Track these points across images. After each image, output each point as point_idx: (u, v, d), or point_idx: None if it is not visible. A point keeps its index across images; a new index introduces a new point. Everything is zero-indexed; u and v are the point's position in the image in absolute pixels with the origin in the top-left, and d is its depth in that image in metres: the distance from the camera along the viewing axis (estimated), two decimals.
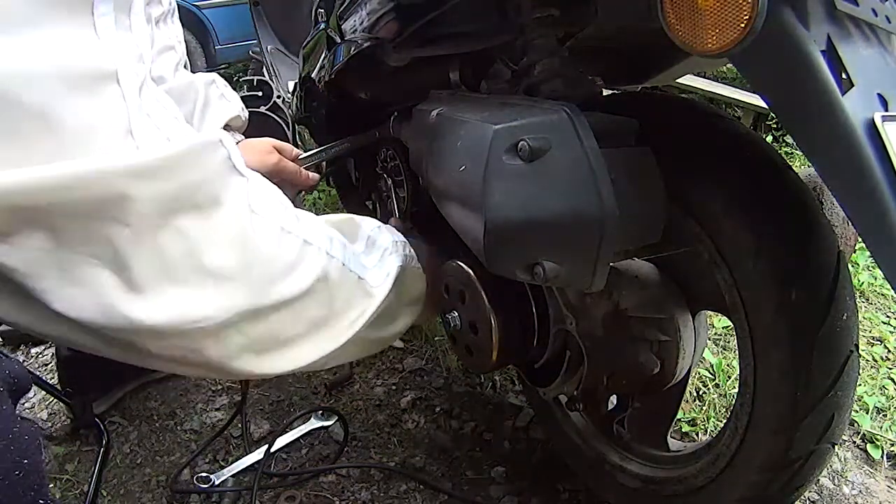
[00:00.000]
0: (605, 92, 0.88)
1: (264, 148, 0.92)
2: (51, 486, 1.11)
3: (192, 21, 4.00)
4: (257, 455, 1.11)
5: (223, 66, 4.27)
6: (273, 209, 0.54)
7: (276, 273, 0.52)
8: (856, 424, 1.18)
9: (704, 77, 2.84)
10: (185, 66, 0.92)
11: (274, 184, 0.95)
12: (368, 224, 0.75)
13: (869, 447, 1.14)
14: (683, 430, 1.17)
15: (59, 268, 0.41)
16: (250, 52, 2.95)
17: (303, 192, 1.02)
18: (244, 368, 0.53)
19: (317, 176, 1.06)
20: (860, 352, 0.63)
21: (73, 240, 0.41)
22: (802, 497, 0.88)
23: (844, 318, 0.60)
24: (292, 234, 0.54)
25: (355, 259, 0.64)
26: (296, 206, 0.60)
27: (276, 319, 0.53)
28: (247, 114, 0.90)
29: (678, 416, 0.95)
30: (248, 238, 0.49)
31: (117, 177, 0.40)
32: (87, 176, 0.39)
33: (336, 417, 1.18)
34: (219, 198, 0.48)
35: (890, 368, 1.36)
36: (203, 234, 0.46)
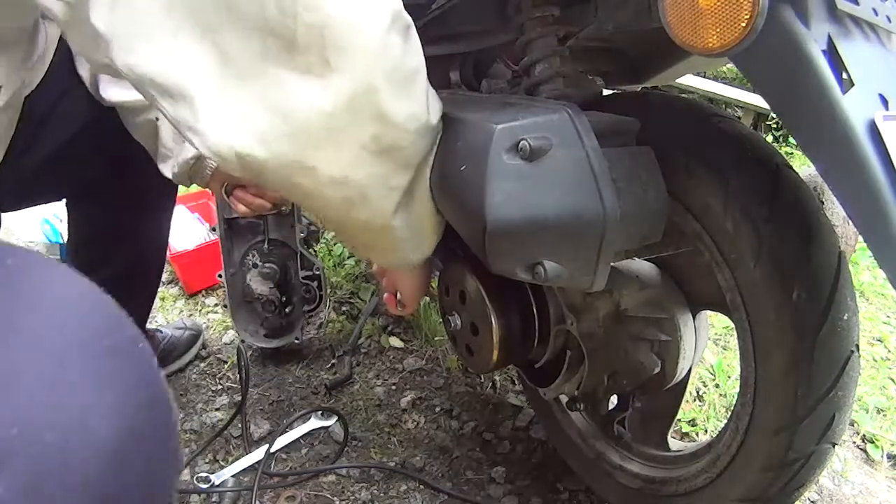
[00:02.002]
0: (605, 92, 0.88)
1: None
2: None
3: None
4: (257, 455, 1.11)
5: None
6: None
7: None
8: (856, 424, 1.18)
9: (704, 77, 2.85)
10: None
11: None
12: None
13: (869, 447, 1.14)
14: (683, 430, 1.17)
15: None
16: None
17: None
18: None
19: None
20: (860, 352, 0.63)
21: None
22: (802, 497, 0.88)
23: (845, 317, 0.60)
24: None
25: None
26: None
27: None
28: None
29: (678, 416, 0.95)
30: None
31: None
32: None
33: (336, 417, 1.18)
34: None
35: (890, 368, 1.36)
36: None
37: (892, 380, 1.33)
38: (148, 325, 1.37)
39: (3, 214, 1.00)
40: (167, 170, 1.00)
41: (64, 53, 0.91)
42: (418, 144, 0.60)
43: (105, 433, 0.31)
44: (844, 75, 0.47)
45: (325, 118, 0.52)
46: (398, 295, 0.87)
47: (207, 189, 1.12)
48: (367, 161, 0.57)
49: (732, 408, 0.80)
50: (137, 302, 1.24)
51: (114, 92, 0.93)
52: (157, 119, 0.95)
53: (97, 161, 1.01)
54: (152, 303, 1.30)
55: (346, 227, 0.69)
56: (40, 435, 0.29)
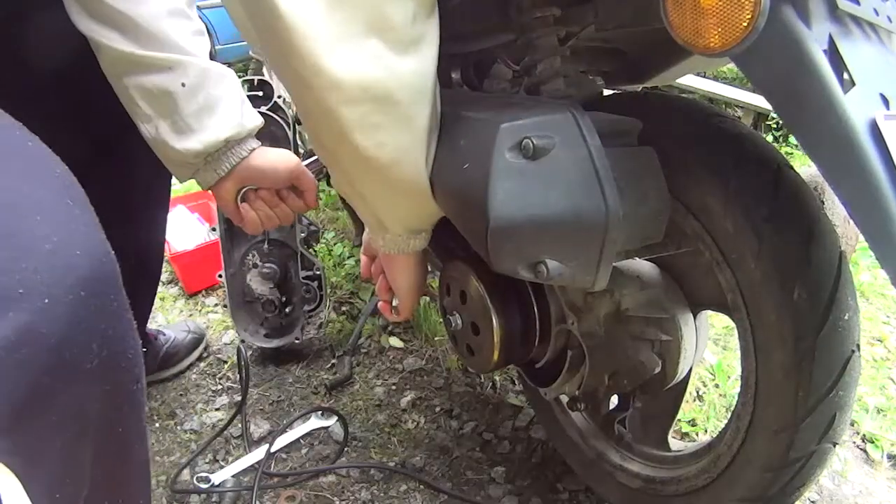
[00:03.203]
0: (606, 92, 0.88)
1: (286, 152, 0.92)
2: None
3: None
4: (257, 455, 1.11)
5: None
6: None
7: None
8: (856, 424, 1.18)
9: (704, 77, 2.85)
10: None
11: (285, 190, 0.92)
12: None
13: (869, 447, 1.14)
14: (684, 430, 1.17)
15: None
16: (250, 52, 2.95)
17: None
18: None
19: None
20: (861, 351, 0.63)
21: None
22: (802, 497, 0.88)
23: (846, 317, 0.60)
24: None
25: None
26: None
27: None
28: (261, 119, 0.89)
29: (678, 416, 0.95)
30: None
31: None
32: None
33: (336, 417, 1.18)
34: None
35: (890, 368, 1.37)
36: None
37: (892, 380, 1.33)
38: (150, 326, 1.37)
39: None
40: (181, 143, 0.81)
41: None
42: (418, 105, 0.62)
43: (83, 272, 0.39)
44: (845, 75, 0.47)
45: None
46: (394, 301, 0.86)
47: (212, 191, 0.90)
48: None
49: (733, 408, 0.80)
50: (136, 302, 1.24)
51: (119, 41, 0.76)
52: (183, 84, 0.79)
53: (81, 140, 0.86)
54: (152, 304, 1.30)
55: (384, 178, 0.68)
56: (37, 277, 0.36)
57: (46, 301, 0.35)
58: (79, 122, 0.90)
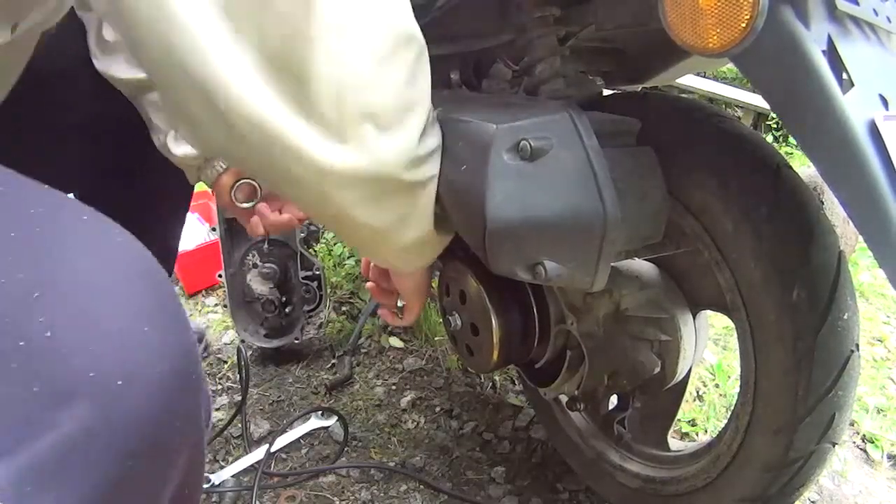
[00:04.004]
0: (606, 92, 0.88)
1: None
2: None
3: None
4: (257, 455, 1.11)
5: None
6: None
7: None
8: (856, 424, 1.18)
9: (704, 77, 2.85)
10: None
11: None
12: None
13: (869, 447, 1.14)
14: (683, 430, 1.17)
15: None
16: None
17: None
18: None
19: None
20: (860, 351, 0.63)
21: None
22: (802, 497, 0.88)
23: (845, 317, 0.60)
24: None
25: None
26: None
27: None
28: None
29: (678, 416, 0.95)
30: None
31: None
32: None
33: (336, 417, 1.18)
34: None
35: (890, 368, 1.37)
36: None
37: (892, 380, 1.33)
38: None
39: None
40: (179, 149, 0.87)
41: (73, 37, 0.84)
42: (413, 174, 0.58)
43: (164, 373, 0.36)
44: (844, 76, 0.47)
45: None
46: (399, 302, 0.86)
47: (213, 190, 0.95)
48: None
49: (732, 408, 0.80)
50: None
51: (124, 70, 0.84)
52: None
53: (103, 154, 0.97)
54: None
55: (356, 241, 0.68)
56: (111, 378, 0.33)
57: (128, 386, 0.34)
58: (110, 136, 0.95)
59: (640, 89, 0.97)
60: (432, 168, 0.60)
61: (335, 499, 1.04)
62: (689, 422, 1.19)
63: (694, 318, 0.78)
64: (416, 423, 1.21)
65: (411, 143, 0.55)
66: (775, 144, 2.75)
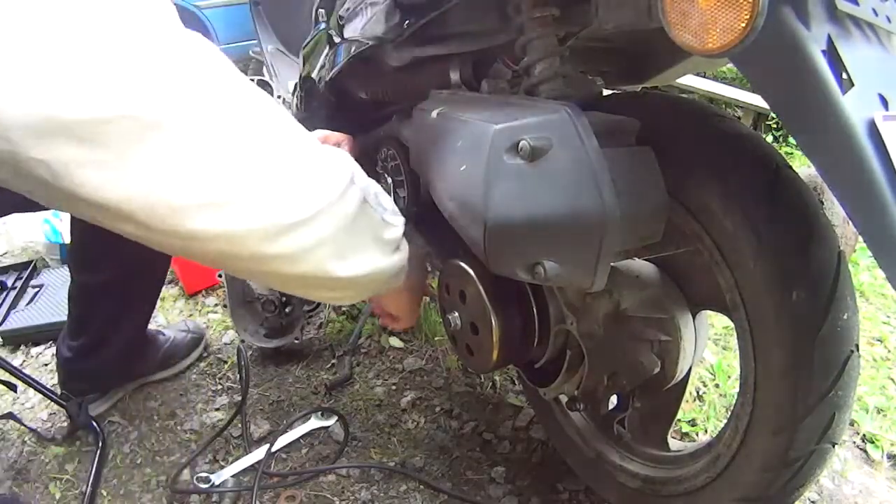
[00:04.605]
0: (606, 92, 0.88)
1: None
2: (50, 485, 1.11)
3: (192, 21, 4.00)
4: (257, 455, 1.11)
5: None
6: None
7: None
8: (856, 424, 1.18)
9: (704, 77, 2.84)
10: None
11: None
12: None
13: (869, 447, 1.14)
14: (683, 430, 1.17)
15: None
16: (250, 52, 2.95)
17: None
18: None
19: None
20: (860, 351, 0.63)
21: None
22: (802, 497, 0.88)
23: (845, 317, 0.60)
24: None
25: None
26: None
27: None
28: None
29: (678, 416, 0.95)
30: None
31: None
32: None
33: (336, 417, 1.18)
34: None
35: (890, 368, 1.36)
36: None
37: (892, 380, 1.33)
38: (149, 327, 1.37)
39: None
40: None
41: None
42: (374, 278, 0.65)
43: None
44: (844, 76, 0.47)
45: None
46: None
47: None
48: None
49: (732, 408, 0.80)
50: (139, 303, 1.24)
51: None
52: None
53: None
54: (154, 305, 1.30)
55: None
56: None
57: None
58: None
59: (640, 89, 0.97)
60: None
61: (335, 499, 1.04)
62: (689, 422, 1.19)
63: (694, 318, 0.78)
64: (416, 423, 1.21)
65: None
66: (775, 144, 2.75)
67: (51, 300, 1.64)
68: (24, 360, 1.48)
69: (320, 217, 0.53)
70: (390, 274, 0.67)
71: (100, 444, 1.15)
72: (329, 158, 0.57)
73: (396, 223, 0.67)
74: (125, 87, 0.42)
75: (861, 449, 1.14)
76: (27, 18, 0.40)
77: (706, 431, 1.17)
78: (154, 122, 0.43)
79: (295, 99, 1.42)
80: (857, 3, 0.50)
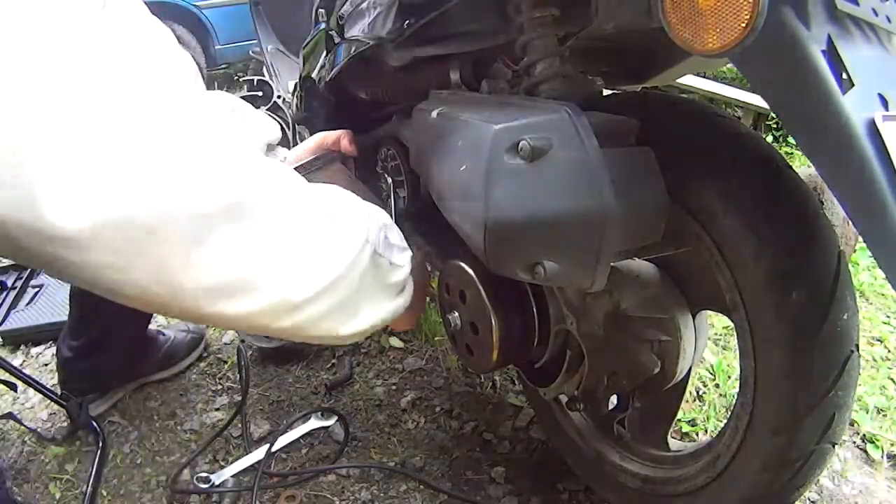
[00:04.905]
0: (606, 92, 0.88)
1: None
2: (50, 485, 1.11)
3: (192, 21, 4.00)
4: (257, 455, 1.11)
5: (223, 66, 4.27)
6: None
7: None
8: (856, 424, 1.18)
9: (704, 77, 2.84)
10: None
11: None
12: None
13: (869, 447, 1.14)
14: (683, 430, 1.17)
15: None
16: (250, 52, 2.95)
17: None
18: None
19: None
20: (860, 352, 0.63)
21: None
22: (802, 497, 0.88)
23: (845, 317, 0.60)
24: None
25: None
26: None
27: None
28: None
29: (678, 416, 0.95)
30: None
31: None
32: None
33: (336, 417, 1.18)
34: None
35: (890, 368, 1.36)
36: None
37: (892, 380, 1.33)
38: (150, 327, 1.37)
39: None
40: None
41: None
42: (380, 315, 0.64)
43: None
44: (844, 76, 0.47)
45: None
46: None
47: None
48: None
49: (732, 408, 0.80)
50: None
51: None
52: None
53: None
54: None
55: None
56: None
57: None
58: None
59: (640, 89, 0.97)
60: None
61: (335, 499, 1.04)
62: (689, 422, 1.19)
63: (694, 318, 0.78)
64: (416, 423, 1.21)
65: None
66: (775, 144, 2.75)
67: (51, 300, 1.64)
68: (24, 360, 1.48)
69: (333, 287, 0.54)
70: (394, 315, 0.66)
71: (100, 444, 1.15)
72: (344, 221, 0.57)
73: (403, 262, 0.65)
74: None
75: (861, 449, 1.14)
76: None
77: (706, 431, 1.17)
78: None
79: (295, 99, 1.42)
80: (857, 3, 0.50)
